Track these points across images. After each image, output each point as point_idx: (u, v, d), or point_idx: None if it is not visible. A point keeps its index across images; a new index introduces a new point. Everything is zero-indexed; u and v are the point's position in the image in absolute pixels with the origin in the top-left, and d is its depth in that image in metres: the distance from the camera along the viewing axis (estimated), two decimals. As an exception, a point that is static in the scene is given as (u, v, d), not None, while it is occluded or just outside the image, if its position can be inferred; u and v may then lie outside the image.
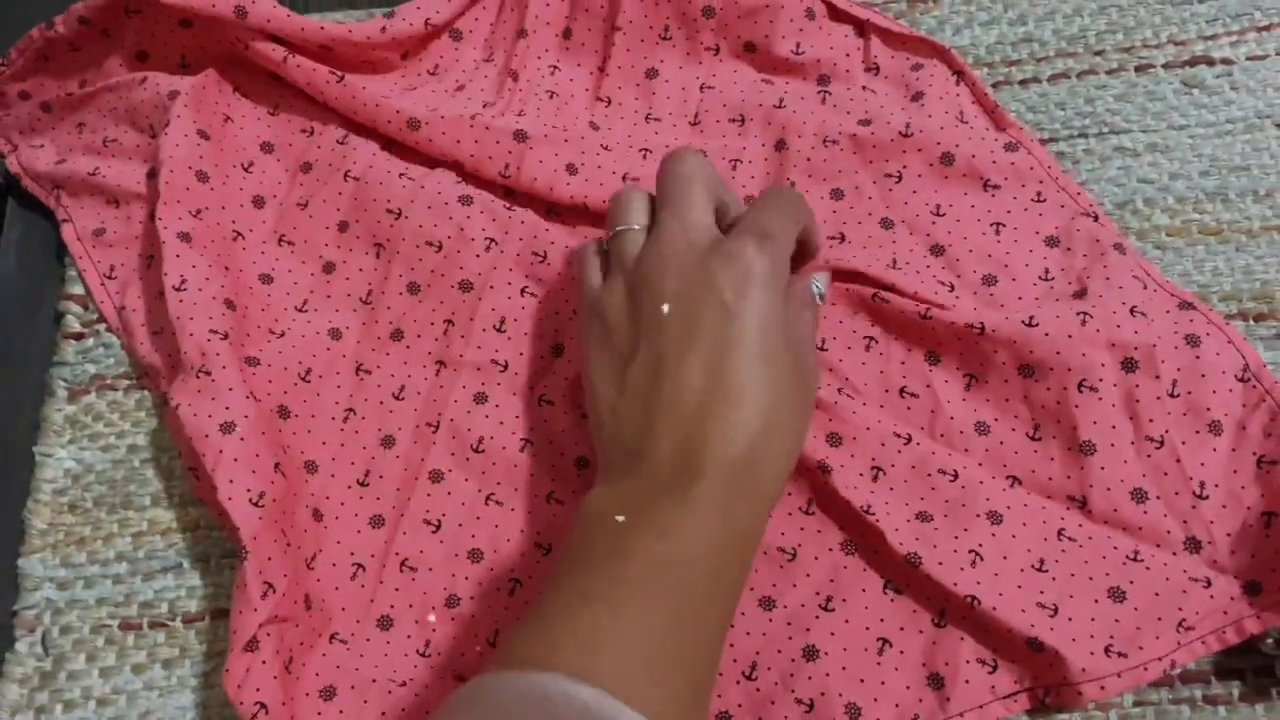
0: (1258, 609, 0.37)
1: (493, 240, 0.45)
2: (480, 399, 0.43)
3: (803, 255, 0.40)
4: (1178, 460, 0.39)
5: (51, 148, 0.50)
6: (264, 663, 0.37)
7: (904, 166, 0.45)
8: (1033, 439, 0.40)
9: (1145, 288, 0.42)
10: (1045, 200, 0.44)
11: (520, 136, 0.46)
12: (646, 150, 0.47)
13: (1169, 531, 0.38)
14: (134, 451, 0.45)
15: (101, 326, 0.47)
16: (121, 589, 0.42)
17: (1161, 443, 0.39)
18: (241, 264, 0.46)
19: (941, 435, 0.41)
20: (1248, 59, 0.47)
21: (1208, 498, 0.39)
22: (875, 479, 0.40)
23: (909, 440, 0.40)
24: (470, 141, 0.46)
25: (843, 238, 0.45)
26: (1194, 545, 0.38)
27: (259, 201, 0.48)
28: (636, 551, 0.32)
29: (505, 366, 0.44)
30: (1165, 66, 0.48)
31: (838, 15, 0.49)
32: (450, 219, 0.45)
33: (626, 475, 0.35)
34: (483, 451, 0.43)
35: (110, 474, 0.44)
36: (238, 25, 0.46)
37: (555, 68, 0.49)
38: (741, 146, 0.46)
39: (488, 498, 0.42)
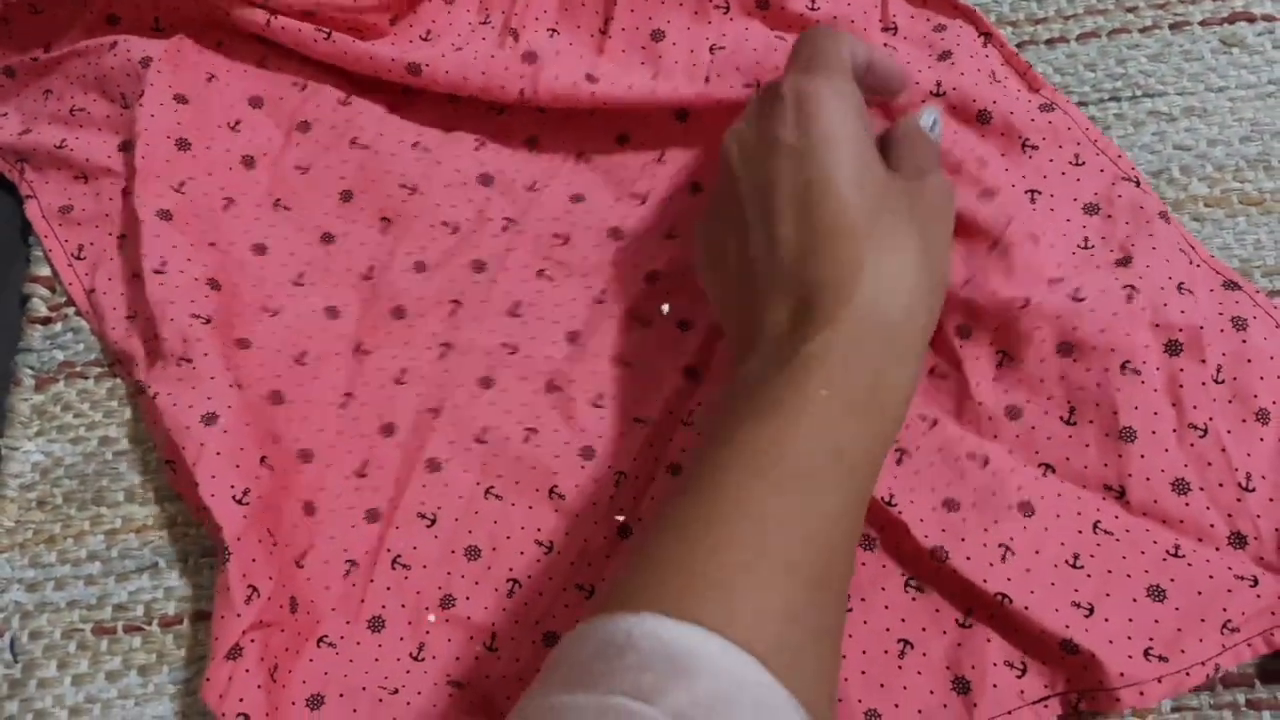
0: None
1: (511, 221, 0.43)
2: (486, 383, 0.41)
3: (887, 87, 0.38)
4: (1223, 450, 0.36)
5: (16, 116, 0.47)
6: (247, 671, 0.35)
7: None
8: (1068, 423, 0.38)
9: (1190, 263, 0.39)
10: (1084, 164, 0.41)
11: (530, 58, 0.43)
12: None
13: (1212, 525, 0.36)
14: (106, 444, 0.42)
15: (70, 310, 0.44)
16: (94, 590, 0.40)
17: (1205, 431, 0.37)
18: (232, 235, 0.43)
19: (969, 420, 0.38)
20: (1292, 14, 0.44)
21: (1254, 490, 0.36)
22: (899, 462, 0.38)
23: (934, 423, 0.38)
24: (477, 74, 0.43)
25: None
26: (1239, 540, 0.36)
27: (249, 161, 0.45)
28: (735, 438, 0.30)
29: (515, 350, 0.42)
30: (1202, 24, 0.45)
31: None
32: (470, 201, 0.43)
33: (743, 362, 0.33)
34: (485, 442, 0.40)
35: (81, 468, 0.42)
36: None
37: (554, 30, 0.46)
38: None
39: (487, 491, 0.40)
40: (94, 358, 0.43)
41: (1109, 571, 0.36)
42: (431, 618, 0.38)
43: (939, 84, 0.42)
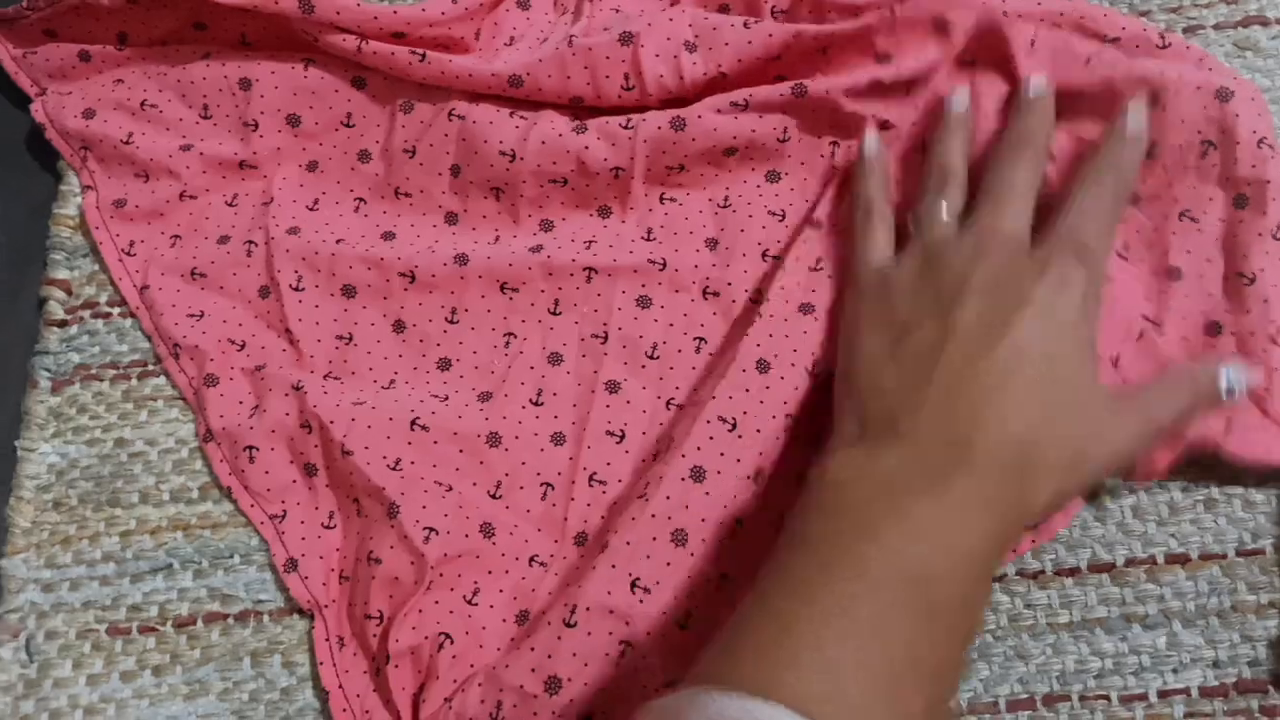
0: None
1: (619, 169, 0.43)
2: (644, 303, 0.42)
3: None
4: (1265, 301, 0.37)
5: (78, 96, 0.47)
6: (437, 603, 0.37)
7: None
8: (1120, 256, 0.39)
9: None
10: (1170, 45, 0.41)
11: (626, 39, 0.43)
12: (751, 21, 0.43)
13: None
14: (121, 445, 0.42)
15: (86, 313, 0.45)
16: (109, 591, 0.40)
17: (1253, 280, 0.38)
18: (365, 230, 0.45)
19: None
20: (1307, 18, 0.44)
21: None
22: None
23: None
24: (580, 69, 0.43)
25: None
26: None
27: (364, 155, 0.46)
28: (880, 550, 0.30)
29: (664, 265, 0.43)
30: (1216, 27, 0.45)
31: None
32: (568, 152, 0.43)
33: (879, 446, 0.33)
34: (657, 358, 0.41)
35: (96, 469, 0.42)
36: (305, 20, 0.43)
37: (616, 10, 0.46)
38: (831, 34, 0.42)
39: (668, 403, 0.41)
40: (109, 360, 0.44)
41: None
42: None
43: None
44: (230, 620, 0.40)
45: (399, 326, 0.43)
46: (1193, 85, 0.39)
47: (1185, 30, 0.45)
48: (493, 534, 0.39)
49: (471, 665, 0.37)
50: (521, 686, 0.35)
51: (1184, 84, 0.39)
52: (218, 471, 0.41)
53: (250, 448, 0.41)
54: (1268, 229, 0.38)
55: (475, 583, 0.38)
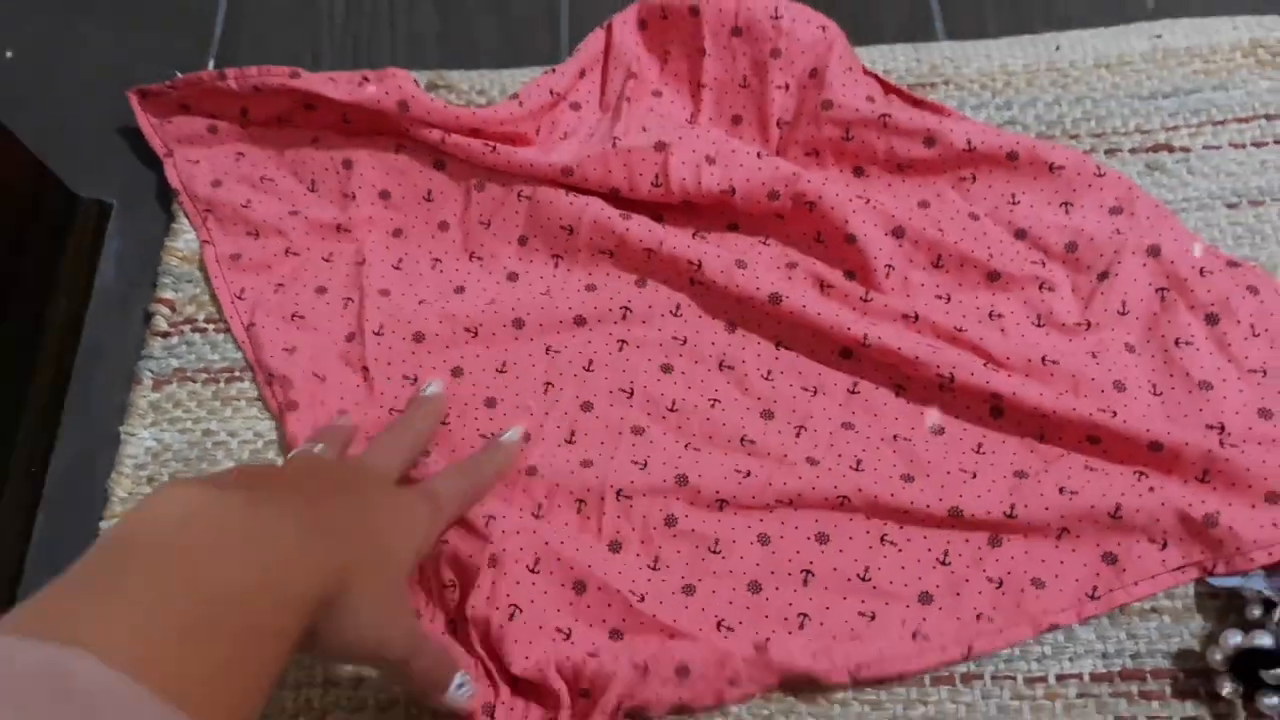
0: None
1: (652, 250, 0.52)
2: (666, 369, 0.50)
3: None
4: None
5: (207, 166, 0.56)
6: (505, 573, 0.44)
7: (974, 169, 0.53)
8: (1157, 394, 0.47)
9: (1205, 250, 0.50)
10: (1105, 175, 0.52)
11: (660, 147, 0.52)
12: (762, 151, 0.53)
13: None
14: (207, 435, 0.51)
15: (186, 328, 0.53)
16: (189, 552, 0.48)
17: (1265, 372, 0.47)
18: (440, 286, 0.53)
19: (1086, 396, 0.47)
20: (1204, 148, 0.54)
21: None
22: (1043, 420, 0.47)
23: (1061, 394, 0.47)
24: (620, 166, 0.52)
25: (941, 233, 0.51)
26: None
27: (444, 225, 0.55)
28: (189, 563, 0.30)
29: (685, 341, 0.51)
30: (1131, 151, 0.55)
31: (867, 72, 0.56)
32: (613, 231, 0.52)
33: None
34: (676, 410, 0.49)
35: (186, 453, 0.50)
36: (400, 117, 0.53)
37: (650, 109, 0.56)
38: (824, 178, 0.52)
39: (686, 445, 0.48)
40: (202, 366, 0.52)
41: (1232, 485, 0.44)
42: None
43: (969, 141, 0.52)
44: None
45: (457, 372, 0.51)
46: (1128, 250, 0.50)
47: (1107, 151, 0.55)
48: (539, 528, 0.46)
49: (540, 626, 0.43)
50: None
51: (1125, 252, 0.50)
52: None
53: None
54: (1247, 332, 0.48)
55: (535, 554, 0.45)
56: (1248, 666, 0.41)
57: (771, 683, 0.43)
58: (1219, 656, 0.41)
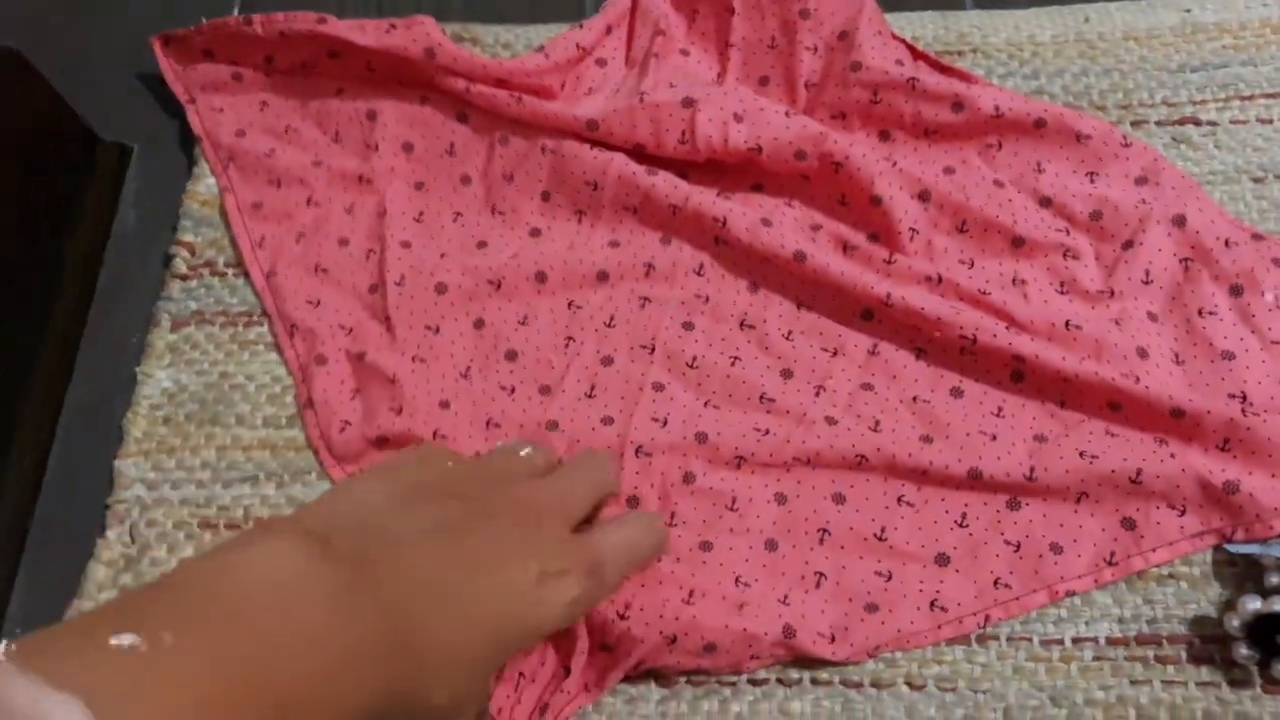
0: None
1: (676, 207, 0.51)
2: (688, 326, 0.50)
3: None
4: None
5: (231, 114, 0.56)
6: None
7: (1001, 136, 0.52)
8: (1179, 363, 0.47)
9: (1229, 221, 0.50)
10: (1131, 145, 0.52)
11: (688, 103, 0.52)
12: (790, 110, 0.52)
13: None
14: (224, 378, 0.51)
15: (206, 271, 0.53)
16: (203, 493, 0.48)
17: None
18: (462, 240, 0.53)
19: (1109, 361, 0.47)
20: (1230, 122, 0.54)
21: None
22: (1065, 384, 0.46)
23: (1084, 359, 0.47)
24: (646, 121, 0.52)
25: (967, 198, 0.51)
26: None
27: (466, 179, 0.54)
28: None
29: (707, 300, 0.51)
30: (1158, 123, 0.54)
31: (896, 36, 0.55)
32: (638, 187, 0.52)
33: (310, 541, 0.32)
34: (697, 367, 0.49)
35: (202, 395, 0.50)
36: (426, 65, 0.53)
37: (677, 68, 0.56)
38: (850, 141, 0.51)
39: (705, 403, 0.48)
40: (220, 309, 0.52)
41: (1252, 453, 0.44)
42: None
43: (996, 108, 0.52)
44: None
45: (479, 324, 0.51)
46: (1154, 220, 0.50)
47: (1133, 123, 0.54)
48: None
49: None
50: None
51: (1150, 222, 0.50)
52: (309, 435, 0.49)
53: (345, 422, 0.48)
54: (1272, 304, 0.48)
55: None
56: (1265, 633, 0.41)
57: (788, 660, 0.43)
58: (1236, 622, 0.41)
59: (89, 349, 0.52)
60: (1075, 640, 0.43)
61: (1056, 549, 0.44)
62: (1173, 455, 0.44)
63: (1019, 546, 0.44)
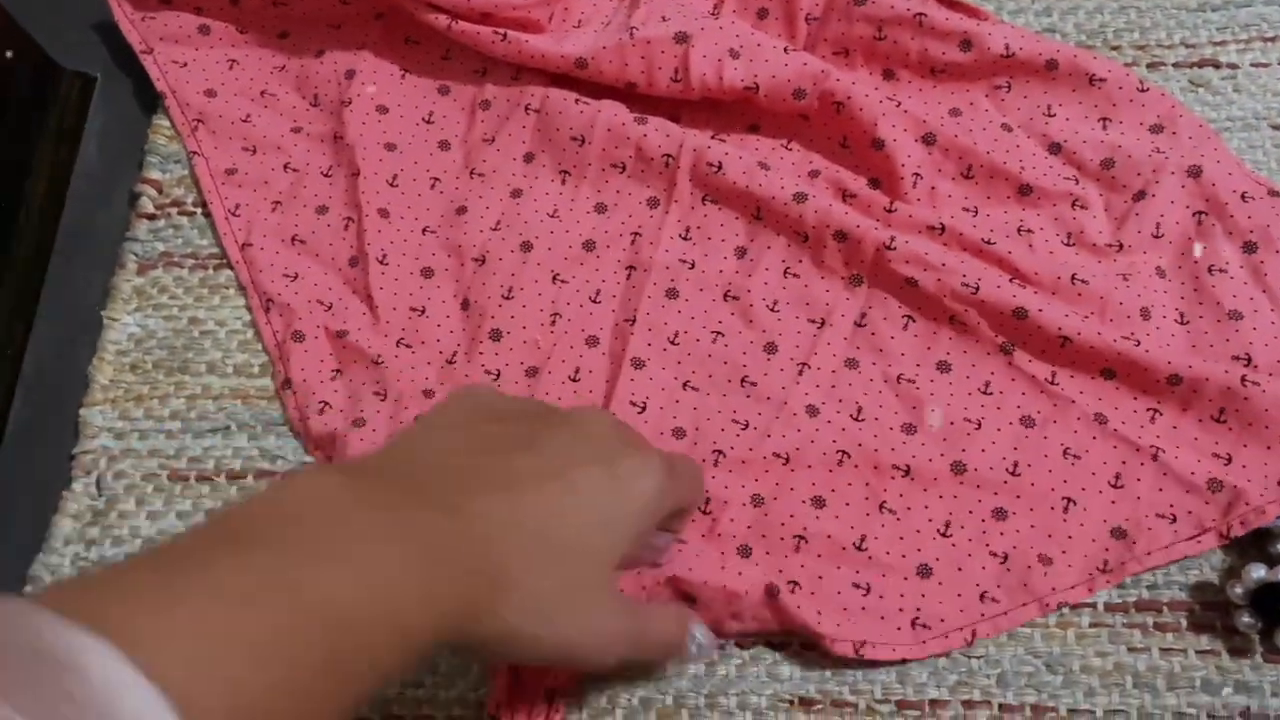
0: None
1: (670, 156, 0.49)
2: (671, 294, 0.48)
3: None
4: None
5: (198, 71, 0.53)
6: None
7: (1010, 77, 0.50)
8: (1183, 323, 0.45)
9: (1247, 174, 0.48)
10: (1148, 91, 0.49)
11: (681, 38, 0.49)
12: (789, 46, 0.50)
13: None
14: (194, 323, 0.48)
15: (174, 210, 0.51)
16: (173, 444, 0.46)
17: None
18: (441, 206, 0.50)
19: (1111, 320, 0.45)
20: (1251, 65, 0.51)
21: None
22: (1062, 346, 0.44)
23: (1087, 317, 0.45)
24: (637, 58, 0.49)
25: (974, 143, 0.48)
26: None
27: (445, 145, 0.52)
28: (309, 579, 0.26)
29: (693, 265, 0.48)
30: (1175, 65, 0.52)
31: None
32: (628, 138, 0.49)
33: (370, 479, 0.31)
34: (678, 344, 0.47)
35: (171, 341, 0.48)
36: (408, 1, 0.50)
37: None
38: (852, 80, 0.49)
39: (685, 384, 0.46)
40: (190, 251, 0.50)
41: (1249, 425, 0.43)
42: None
43: (1007, 46, 0.49)
44: (278, 477, 0.45)
45: (465, 305, 0.48)
46: (1168, 171, 0.47)
47: (1149, 65, 0.52)
48: None
49: None
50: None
51: (1164, 173, 0.47)
52: (289, 416, 0.46)
53: (324, 403, 0.46)
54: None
55: None
56: (1269, 601, 0.40)
57: (773, 628, 0.41)
58: (1240, 590, 0.40)
59: (51, 293, 0.50)
60: (1073, 606, 0.42)
61: (1046, 560, 0.42)
62: (1155, 457, 0.43)
63: (1006, 558, 0.42)
